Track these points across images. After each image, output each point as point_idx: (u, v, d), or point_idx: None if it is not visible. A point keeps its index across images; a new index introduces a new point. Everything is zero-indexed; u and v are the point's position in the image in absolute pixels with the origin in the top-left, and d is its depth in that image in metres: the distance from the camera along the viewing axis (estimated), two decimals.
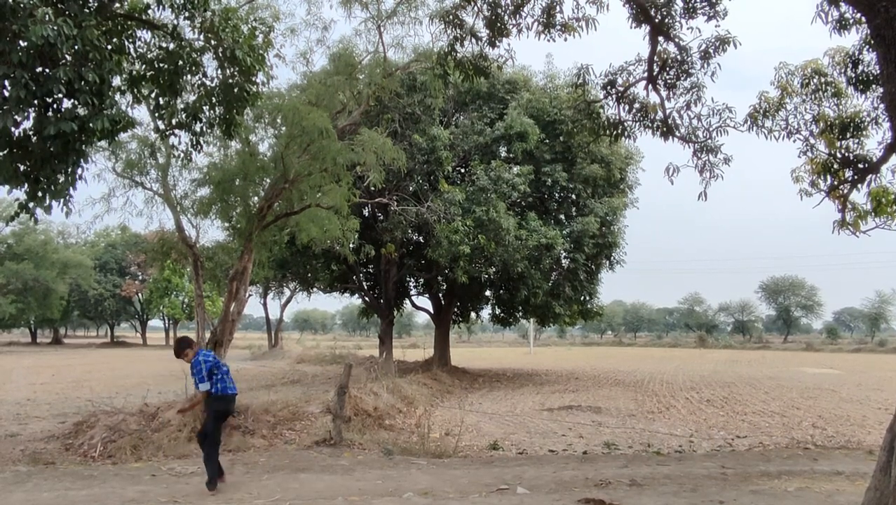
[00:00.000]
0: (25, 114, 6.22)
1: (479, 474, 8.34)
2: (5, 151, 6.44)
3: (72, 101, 6.43)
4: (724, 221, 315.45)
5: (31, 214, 6.59)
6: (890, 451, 4.97)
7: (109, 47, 7.03)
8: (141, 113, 18.47)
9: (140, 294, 65.08)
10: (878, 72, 6.82)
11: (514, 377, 27.05)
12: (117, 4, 7.53)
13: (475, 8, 8.11)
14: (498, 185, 20.89)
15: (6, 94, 5.99)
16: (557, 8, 8.13)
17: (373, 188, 17.38)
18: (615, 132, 9.48)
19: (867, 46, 8.58)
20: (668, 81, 8.96)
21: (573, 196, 24.12)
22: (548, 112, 22.94)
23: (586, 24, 8.17)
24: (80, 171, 6.79)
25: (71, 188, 6.64)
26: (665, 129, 9.15)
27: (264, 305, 48.29)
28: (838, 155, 9.51)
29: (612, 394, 20.38)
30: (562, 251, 22.86)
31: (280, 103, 12.15)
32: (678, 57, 8.75)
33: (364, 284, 27.15)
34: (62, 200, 6.59)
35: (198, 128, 8.37)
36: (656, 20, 8.22)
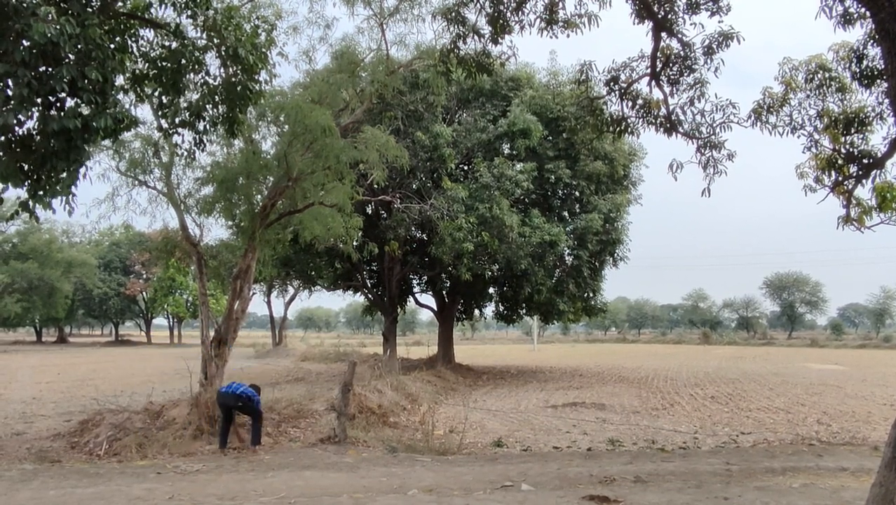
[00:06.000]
0: (29, 112, 6.23)
1: (484, 471, 8.34)
2: (8, 150, 6.46)
3: (75, 99, 6.43)
4: (729, 218, 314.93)
5: (31, 213, 6.60)
6: (895, 446, 4.96)
7: (112, 46, 7.04)
8: (144, 112, 18.39)
9: (144, 293, 65.26)
10: (883, 66, 6.79)
11: (518, 374, 27.06)
12: (120, 3, 7.54)
13: (477, 5, 8.08)
14: (501, 182, 20.87)
15: (9, 92, 6.00)
16: (560, 4, 8.10)
17: (376, 186, 17.38)
18: (618, 129, 9.45)
19: (872, 41, 8.53)
20: (672, 77, 8.92)
21: (576, 193, 24.10)
22: (551, 109, 22.91)
23: (589, 21, 8.14)
24: (82, 169, 6.80)
25: (73, 186, 6.65)
26: (668, 125, 9.11)
27: (268, 303, 48.35)
28: (843, 150, 9.45)
29: (616, 391, 20.37)
30: (565, 248, 22.84)
31: (283, 101, 12.13)
32: (681, 53, 8.71)
33: (367, 281, 27.16)
34: (65, 199, 6.60)
35: (201, 126, 8.37)
36: (659, 16, 8.19)
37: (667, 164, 8.79)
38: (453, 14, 8.15)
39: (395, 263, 24.74)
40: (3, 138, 6.41)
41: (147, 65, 8.08)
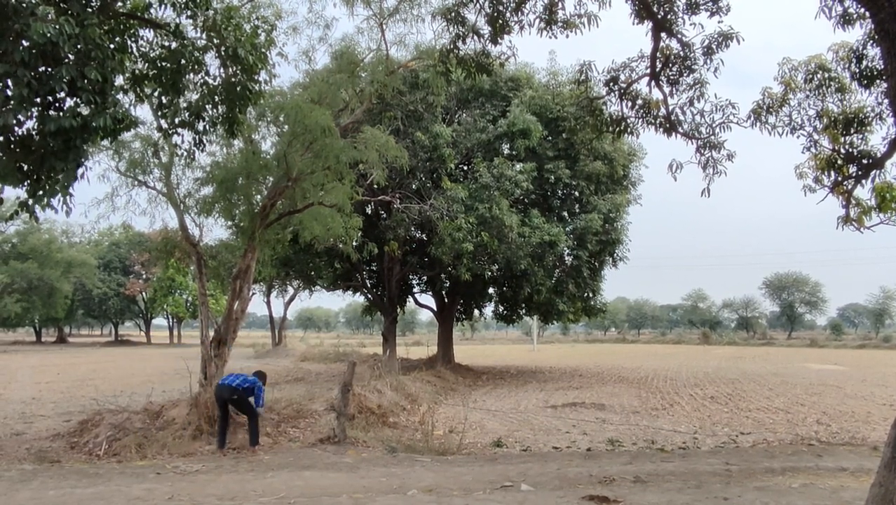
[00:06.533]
0: (28, 112, 6.23)
1: (483, 471, 8.34)
2: (7, 150, 6.46)
3: (74, 99, 6.44)
4: (728, 218, 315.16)
5: (30, 213, 6.61)
6: (895, 447, 4.96)
7: (112, 46, 7.04)
8: (144, 112, 18.46)
9: (144, 293, 65.25)
10: (882, 67, 6.80)
11: (518, 374, 27.06)
12: (119, 3, 7.54)
13: (477, 5, 8.08)
14: (501, 182, 20.87)
15: (9, 92, 6.00)
16: (559, 4, 8.10)
17: (375, 186, 17.38)
18: (618, 129, 9.45)
19: (871, 41, 8.54)
20: (671, 78, 8.92)
21: (576, 193, 24.10)
22: (550, 109, 22.90)
23: (588, 21, 8.15)
24: (81, 169, 6.80)
25: (71, 186, 6.65)
26: (668, 125, 9.12)
27: (268, 303, 48.31)
28: (842, 151, 9.46)
29: (615, 391, 20.37)
30: (565, 248, 22.84)
31: (282, 102, 12.14)
32: (681, 53, 8.71)
33: (367, 281, 27.16)
34: (62, 199, 6.60)
35: (200, 126, 8.38)
36: (659, 16, 8.20)
37: (666, 164, 8.81)
38: (453, 14, 8.15)
39: (394, 264, 24.74)
40: (2, 138, 6.41)
41: (147, 65, 8.08)
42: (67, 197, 6.60)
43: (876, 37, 6.85)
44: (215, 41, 7.97)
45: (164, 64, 7.93)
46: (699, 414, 15.35)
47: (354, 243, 18.46)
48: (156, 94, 8.48)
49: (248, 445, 9.97)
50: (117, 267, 63.49)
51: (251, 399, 10.00)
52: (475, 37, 8.25)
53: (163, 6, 7.60)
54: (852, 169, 9.40)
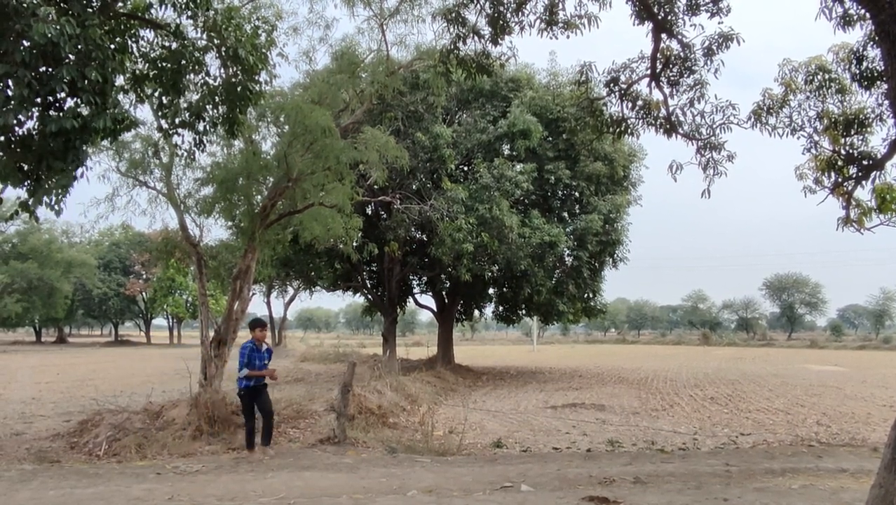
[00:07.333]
0: (29, 113, 6.24)
1: (483, 472, 8.34)
2: (7, 150, 6.47)
3: (74, 100, 6.44)
4: (728, 219, 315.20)
5: (31, 213, 6.61)
6: (895, 448, 4.96)
7: (112, 46, 7.04)
8: (144, 112, 18.47)
9: (144, 293, 65.25)
10: (883, 68, 6.80)
11: (518, 375, 27.06)
12: (120, 4, 7.55)
13: (477, 6, 8.09)
14: (501, 182, 20.87)
15: (9, 92, 6.01)
16: (560, 5, 8.11)
17: (376, 186, 17.39)
18: (618, 129, 9.45)
19: (872, 42, 8.54)
20: (671, 78, 8.92)
21: (576, 194, 24.10)
22: (551, 110, 22.91)
23: (589, 22, 8.15)
24: (80, 170, 6.80)
25: (68, 187, 6.66)
26: (668, 126, 9.12)
27: (268, 303, 48.30)
28: (842, 152, 9.46)
29: (615, 391, 20.37)
30: (565, 249, 22.84)
31: (283, 102, 12.14)
32: (681, 54, 8.71)
33: (367, 282, 27.17)
34: (55, 198, 6.60)
35: (201, 127, 8.38)
36: (659, 17, 8.20)
37: (667, 165, 8.82)
38: (453, 15, 8.15)
39: (394, 264, 24.75)
40: (2, 138, 6.42)
41: (147, 65, 8.08)
42: (59, 198, 6.60)
43: (876, 38, 6.85)
44: (216, 41, 7.97)
45: (164, 64, 7.94)
46: (699, 415, 15.35)
47: (354, 244, 18.45)
48: (156, 94, 8.48)
49: (261, 444, 9.88)
50: (117, 267, 63.49)
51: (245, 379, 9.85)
52: (476, 37, 8.26)
53: (163, 6, 7.60)
54: (852, 170, 9.40)
